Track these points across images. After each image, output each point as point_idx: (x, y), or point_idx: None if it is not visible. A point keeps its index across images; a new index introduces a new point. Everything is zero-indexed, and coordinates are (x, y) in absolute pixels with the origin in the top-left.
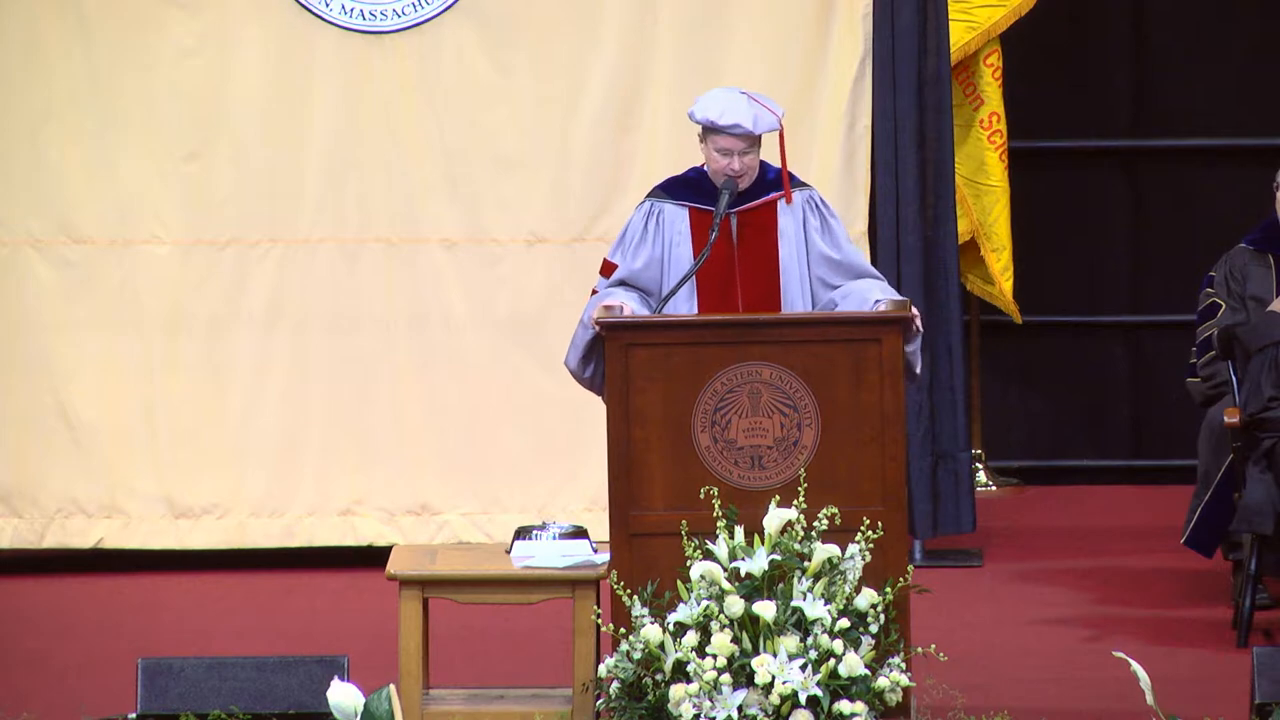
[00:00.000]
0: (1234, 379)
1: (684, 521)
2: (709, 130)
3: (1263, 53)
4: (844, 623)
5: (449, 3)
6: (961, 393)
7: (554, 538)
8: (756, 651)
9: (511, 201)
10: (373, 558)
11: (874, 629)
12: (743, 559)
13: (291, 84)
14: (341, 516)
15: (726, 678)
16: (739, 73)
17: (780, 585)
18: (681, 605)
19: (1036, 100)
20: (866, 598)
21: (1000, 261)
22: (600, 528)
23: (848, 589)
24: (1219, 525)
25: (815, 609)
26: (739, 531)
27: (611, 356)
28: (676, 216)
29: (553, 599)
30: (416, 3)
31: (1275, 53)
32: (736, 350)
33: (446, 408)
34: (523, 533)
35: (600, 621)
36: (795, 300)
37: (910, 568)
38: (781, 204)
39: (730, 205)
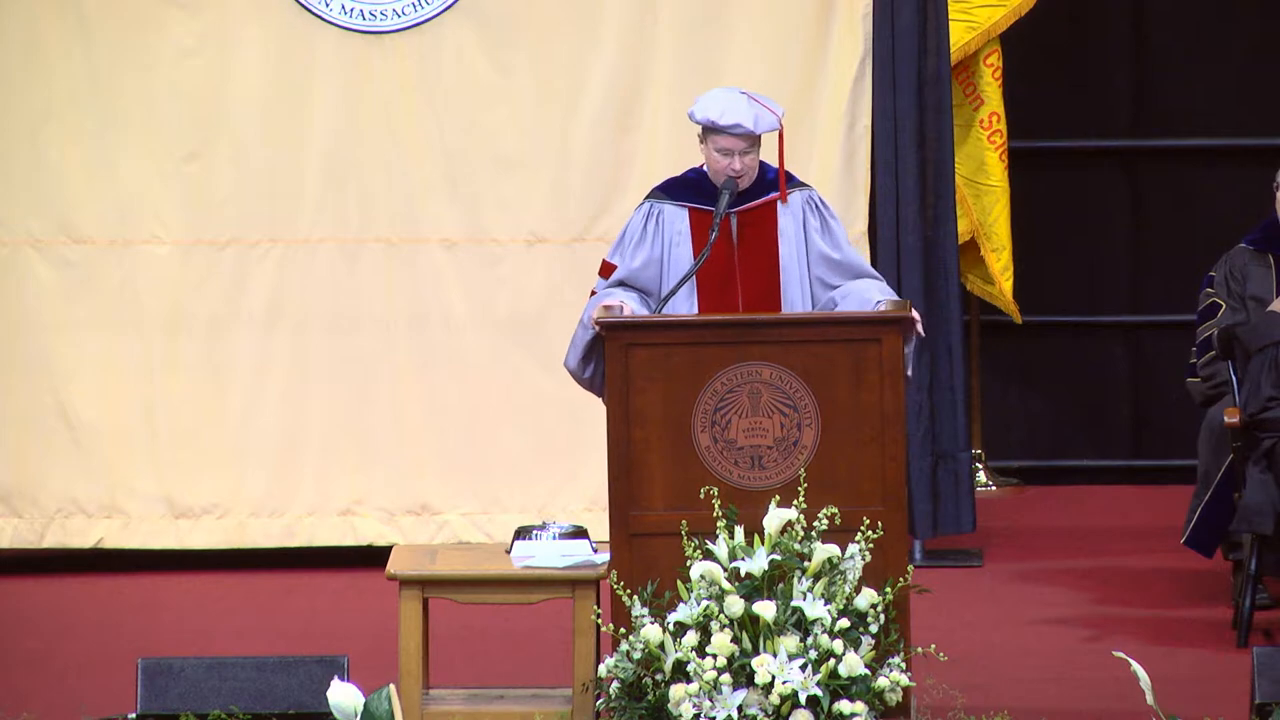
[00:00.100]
0: (1234, 379)
1: (684, 521)
2: (709, 130)
3: (1263, 53)
4: (844, 623)
5: (449, 3)
6: (961, 393)
7: (554, 538)
8: (756, 651)
9: (511, 201)
10: (373, 558)
11: (874, 629)
12: (743, 559)
13: (291, 84)
14: (341, 516)
15: (726, 678)
16: (739, 73)
17: (780, 585)
18: (681, 605)
19: (1036, 100)
20: (866, 598)
21: (1000, 261)
22: (600, 528)
23: (848, 589)
24: (1219, 525)
25: (815, 609)
26: (739, 531)
27: (611, 356)
28: (676, 217)
29: (553, 599)
30: (416, 3)
31: (1275, 53)
32: (736, 350)
33: (446, 408)
34: (523, 533)
35: (600, 621)
36: (795, 300)
37: (910, 568)
38: (781, 204)
39: (730, 205)
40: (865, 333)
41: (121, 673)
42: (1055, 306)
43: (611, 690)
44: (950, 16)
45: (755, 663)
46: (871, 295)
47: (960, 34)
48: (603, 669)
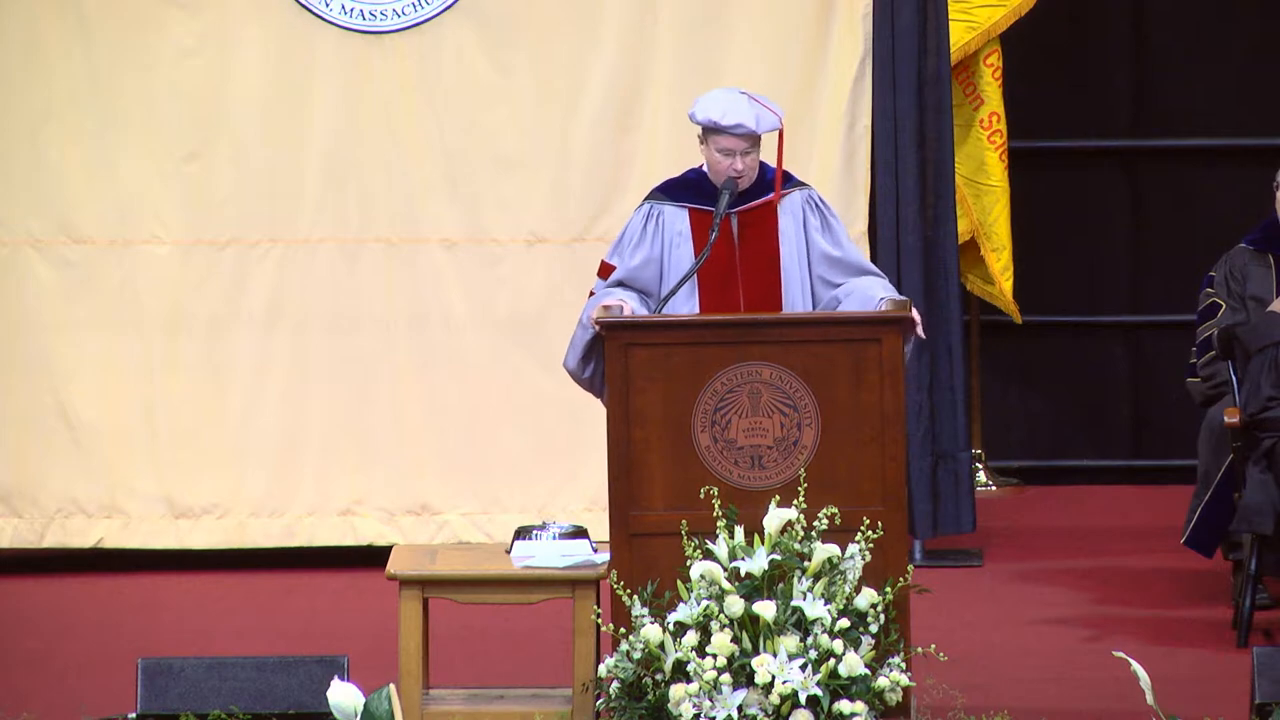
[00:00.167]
0: (1234, 379)
1: (684, 521)
2: (710, 131)
3: (1263, 53)
4: (844, 623)
5: (449, 3)
6: (961, 393)
7: (554, 538)
8: (756, 651)
9: (511, 201)
10: (373, 558)
11: (874, 629)
12: (743, 559)
13: (291, 84)
14: (341, 516)
15: (726, 677)
16: (739, 73)
17: (780, 585)
18: (681, 605)
19: (1036, 100)
20: (866, 598)
21: (1000, 261)
22: (600, 528)
23: (848, 589)
24: (1219, 525)
25: (815, 609)
26: (739, 531)
27: (611, 356)
28: (676, 218)
29: (553, 599)
30: (416, 3)
31: (1275, 53)
32: (736, 350)
33: (446, 408)
34: (523, 533)
35: (600, 621)
36: (796, 300)
37: (910, 568)
38: (781, 204)
39: (730, 205)
40: (865, 333)
41: (121, 673)
42: (1055, 306)
43: (611, 690)
44: (950, 16)
45: (755, 663)
46: (874, 292)
47: (960, 34)
48: (603, 669)
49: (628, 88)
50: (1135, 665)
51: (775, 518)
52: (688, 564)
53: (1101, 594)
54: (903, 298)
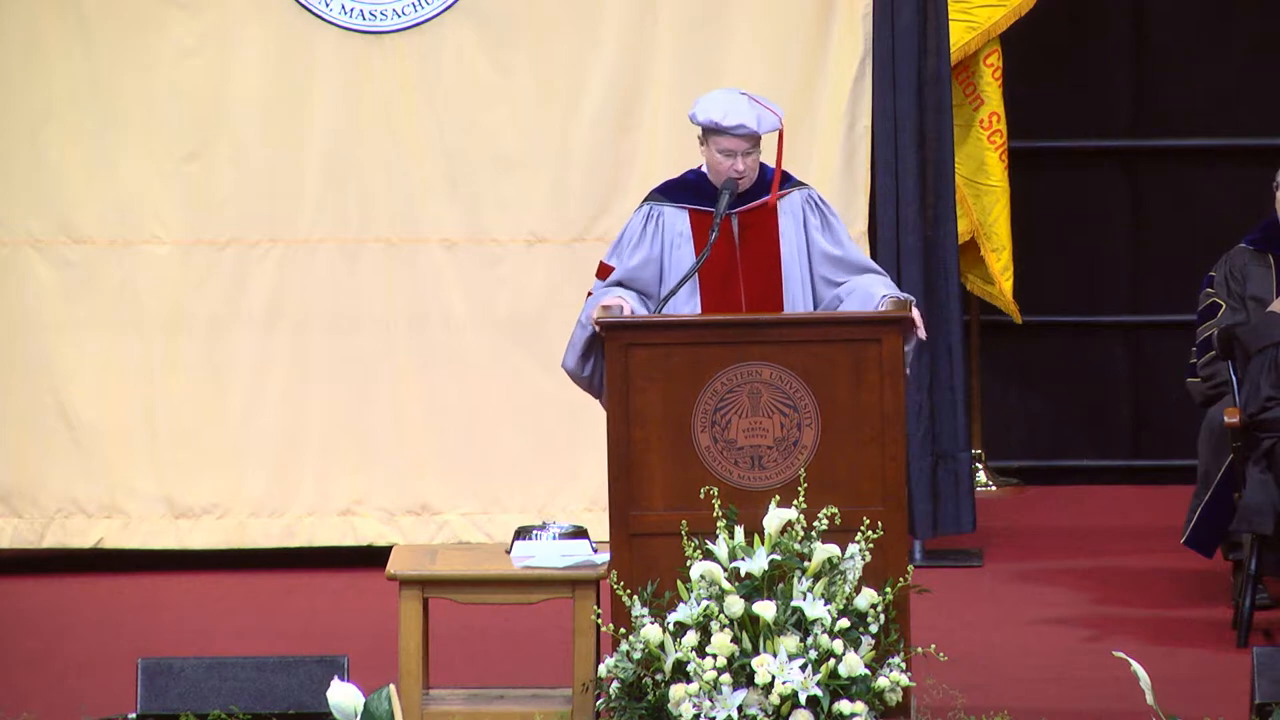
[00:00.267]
0: (1234, 379)
1: (684, 521)
2: (711, 131)
3: (1263, 53)
4: (844, 623)
5: (449, 3)
6: (961, 393)
7: (554, 538)
8: (756, 651)
9: (511, 201)
10: (373, 558)
11: (874, 629)
12: (743, 559)
13: (291, 84)
14: (341, 516)
15: (726, 678)
16: (739, 73)
17: (780, 585)
18: (681, 605)
19: (1036, 100)
20: (866, 598)
21: (1000, 261)
22: (600, 528)
23: (848, 589)
24: (1219, 525)
25: (815, 609)
26: (739, 531)
27: (611, 356)
28: (676, 219)
29: (553, 599)
30: (416, 3)
31: (1275, 53)
32: (736, 350)
33: (446, 408)
34: (523, 533)
35: (600, 621)
36: (797, 299)
37: (910, 568)
38: (781, 203)
39: (730, 205)
40: (865, 333)
41: (121, 673)
42: (1055, 306)
43: (611, 690)
44: (950, 16)
45: (755, 663)
46: (876, 290)
47: (960, 34)
48: (603, 669)
49: (628, 88)
50: (1135, 665)
51: (775, 518)
52: (688, 564)
53: (1101, 594)
54: (905, 296)
